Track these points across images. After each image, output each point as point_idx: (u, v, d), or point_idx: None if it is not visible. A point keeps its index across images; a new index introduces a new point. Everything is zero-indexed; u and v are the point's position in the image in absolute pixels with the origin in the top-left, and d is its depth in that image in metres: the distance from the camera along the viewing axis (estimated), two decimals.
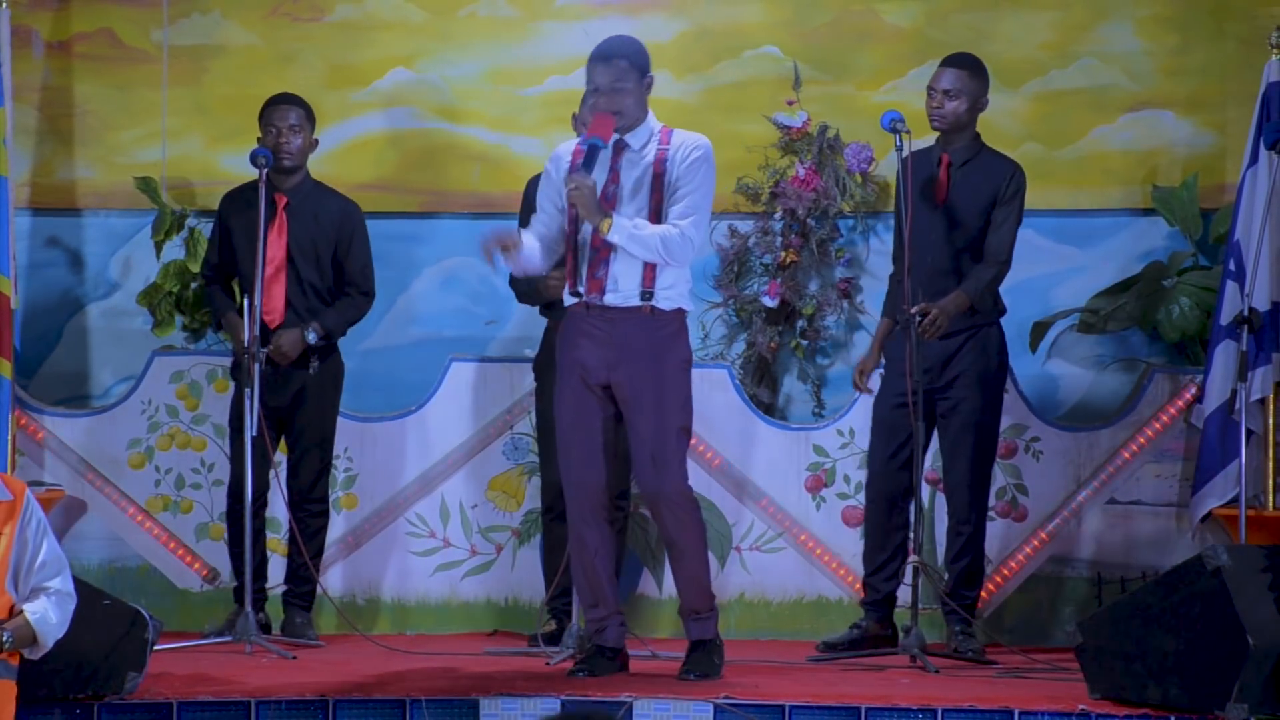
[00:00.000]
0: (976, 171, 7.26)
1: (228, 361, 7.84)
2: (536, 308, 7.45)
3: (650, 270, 6.44)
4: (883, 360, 7.38)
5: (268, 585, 7.57)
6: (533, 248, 6.52)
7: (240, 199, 7.67)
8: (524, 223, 7.27)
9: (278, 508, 7.71)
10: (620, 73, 6.47)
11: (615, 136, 6.46)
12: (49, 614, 5.46)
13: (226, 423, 7.76)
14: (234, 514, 7.55)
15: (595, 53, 6.52)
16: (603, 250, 6.45)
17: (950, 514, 7.32)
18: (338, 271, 7.68)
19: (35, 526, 5.42)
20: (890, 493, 7.26)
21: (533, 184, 7.41)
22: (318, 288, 7.63)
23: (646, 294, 6.46)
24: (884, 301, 7.53)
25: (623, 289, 6.45)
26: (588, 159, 6.40)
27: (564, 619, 7.26)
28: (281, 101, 7.64)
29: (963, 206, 7.22)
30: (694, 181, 6.48)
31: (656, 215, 6.45)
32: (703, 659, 6.52)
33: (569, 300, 6.55)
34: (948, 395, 7.22)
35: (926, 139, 7.48)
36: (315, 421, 7.62)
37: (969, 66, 7.29)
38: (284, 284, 7.54)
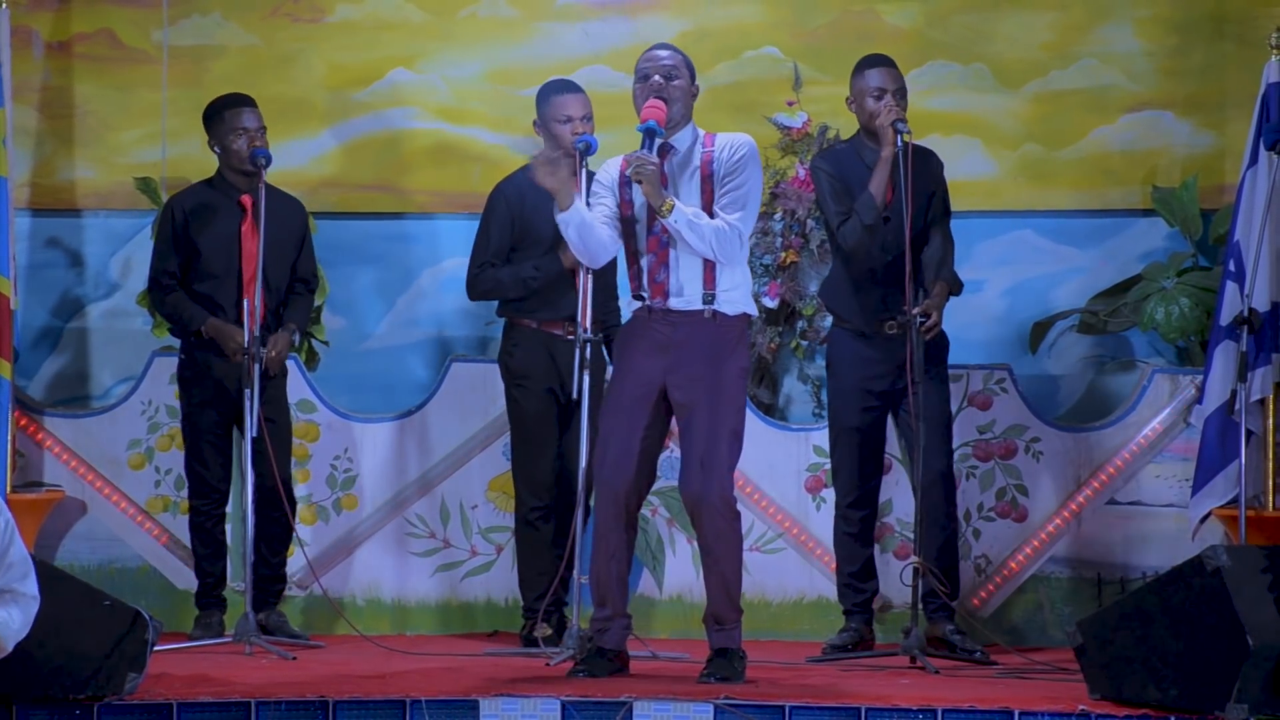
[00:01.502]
0: (911, 164, 7.15)
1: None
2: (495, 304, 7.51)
3: (710, 271, 6.46)
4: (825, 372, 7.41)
5: (237, 586, 7.55)
6: (598, 224, 6.51)
7: (197, 203, 7.59)
8: (486, 233, 7.30)
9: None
10: (677, 64, 6.55)
11: (659, 140, 6.47)
12: (12, 617, 5.41)
13: (181, 423, 7.66)
14: (202, 522, 7.54)
15: (652, 47, 6.62)
16: (661, 254, 6.47)
17: (925, 512, 7.18)
18: (289, 270, 7.66)
19: (2, 526, 5.39)
20: (864, 500, 7.31)
21: (496, 194, 7.41)
22: (279, 287, 7.61)
23: (709, 296, 6.48)
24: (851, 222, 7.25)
25: (686, 293, 6.48)
26: (647, 142, 6.42)
27: (561, 620, 7.27)
28: (244, 104, 7.56)
29: (903, 204, 7.07)
30: (740, 177, 6.51)
31: (706, 213, 6.48)
32: (724, 664, 6.50)
33: (633, 308, 6.55)
34: (908, 398, 7.14)
35: (925, 139, 7.48)
36: (282, 415, 7.58)
37: (896, 64, 7.28)
38: (262, 284, 7.48)
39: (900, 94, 7.19)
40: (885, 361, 7.21)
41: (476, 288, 7.51)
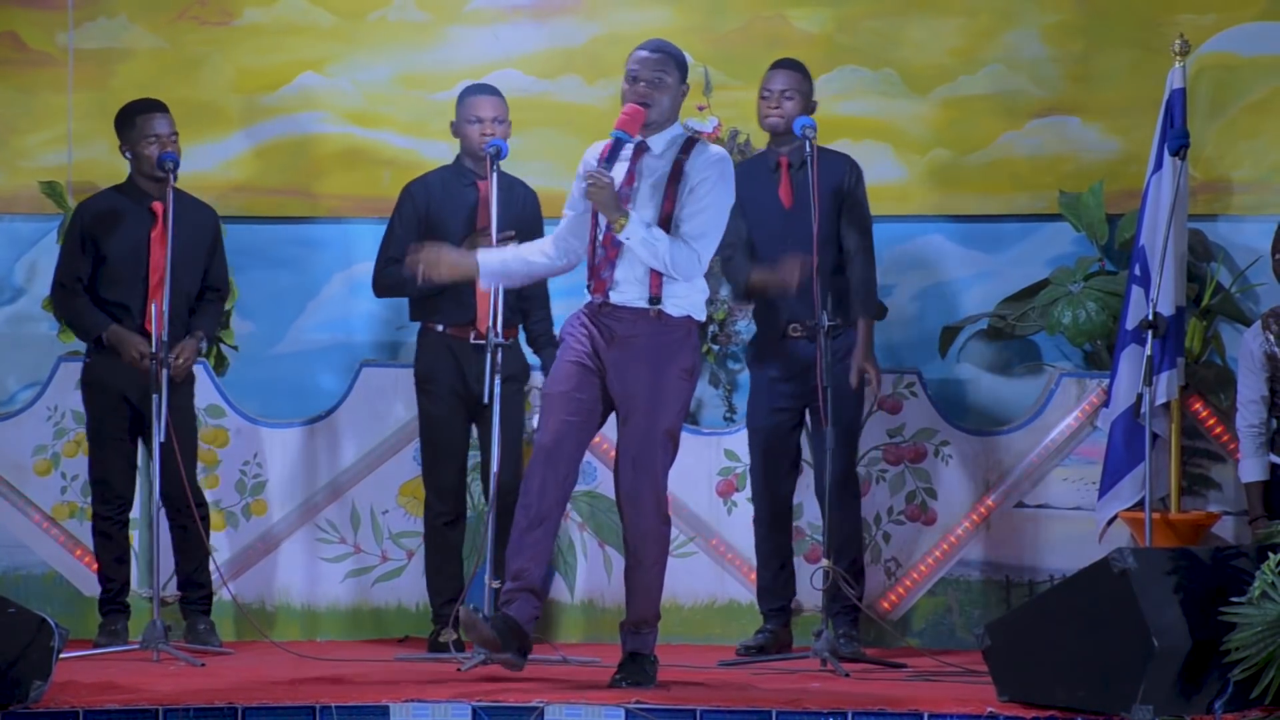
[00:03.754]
0: (806, 170, 7.17)
1: None
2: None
3: (656, 277, 6.40)
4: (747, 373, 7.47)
5: (165, 594, 7.49)
6: (509, 261, 6.57)
7: (106, 208, 7.52)
8: (393, 230, 7.30)
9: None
10: (664, 66, 6.43)
11: (639, 138, 6.42)
12: None
13: (85, 428, 7.60)
14: (104, 528, 7.49)
15: (641, 45, 6.49)
16: (610, 250, 6.41)
17: (829, 513, 7.20)
18: (200, 276, 7.60)
19: None
20: (779, 502, 7.36)
21: (405, 192, 7.40)
22: (190, 293, 7.55)
23: (654, 299, 6.42)
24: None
25: (630, 292, 6.41)
26: (612, 152, 6.35)
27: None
28: (156, 110, 7.49)
29: (808, 209, 7.10)
30: (707, 199, 6.42)
31: (666, 223, 6.40)
32: (637, 669, 6.46)
33: (584, 299, 6.49)
34: (817, 401, 7.16)
35: (835, 144, 7.51)
36: (183, 423, 7.52)
37: (800, 68, 7.34)
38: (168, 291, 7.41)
39: (780, 94, 7.24)
40: (795, 364, 7.24)
41: (380, 283, 7.51)
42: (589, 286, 6.47)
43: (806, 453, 7.55)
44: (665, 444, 6.43)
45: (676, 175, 6.42)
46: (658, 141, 6.47)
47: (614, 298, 6.42)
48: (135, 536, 7.69)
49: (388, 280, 7.47)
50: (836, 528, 7.17)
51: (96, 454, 7.53)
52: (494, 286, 6.85)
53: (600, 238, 6.43)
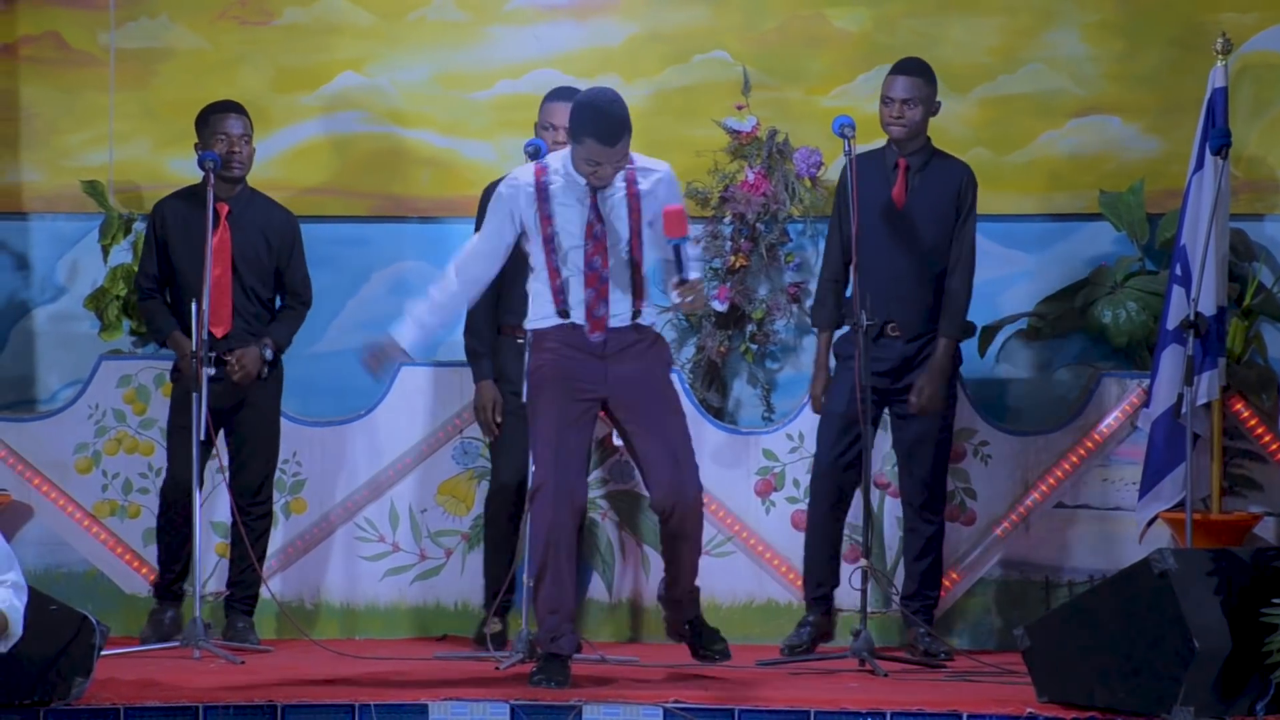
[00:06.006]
0: (932, 176, 7.33)
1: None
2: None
3: (638, 295, 6.58)
4: (833, 360, 7.42)
5: (208, 592, 7.54)
6: (428, 329, 6.69)
7: (176, 207, 7.61)
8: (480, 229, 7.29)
9: (219, 511, 7.69)
10: (624, 148, 6.48)
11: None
12: (14, 602, 5.51)
13: (165, 424, 7.70)
14: (168, 515, 7.53)
15: (600, 131, 6.41)
16: (601, 289, 6.54)
17: (909, 515, 7.35)
18: (277, 281, 7.66)
19: None
20: (836, 490, 7.32)
21: (488, 192, 7.40)
22: (262, 296, 7.62)
23: (635, 313, 6.60)
24: (815, 312, 7.54)
25: (618, 318, 6.58)
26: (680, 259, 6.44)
27: (507, 621, 7.28)
28: (230, 110, 7.59)
29: (920, 212, 7.26)
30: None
31: (638, 236, 6.54)
32: (715, 635, 6.78)
33: (552, 321, 6.55)
34: (906, 397, 7.26)
35: (875, 143, 7.51)
36: (261, 424, 7.60)
37: (923, 73, 7.35)
38: (229, 292, 7.51)
39: (902, 102, 7.28)
40: (884, 361, 7.25)
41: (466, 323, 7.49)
42: (568, 313, 6.53)
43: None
44: (689, 434, 6.63)
45: (634, 199, 6.53)
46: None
47: (611, 324, 6.57)
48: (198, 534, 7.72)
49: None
50: (927, 528, 7.33)
51: (169, 446, 7.60)
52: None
53: (569, 270, 6.54)
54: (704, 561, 7.71)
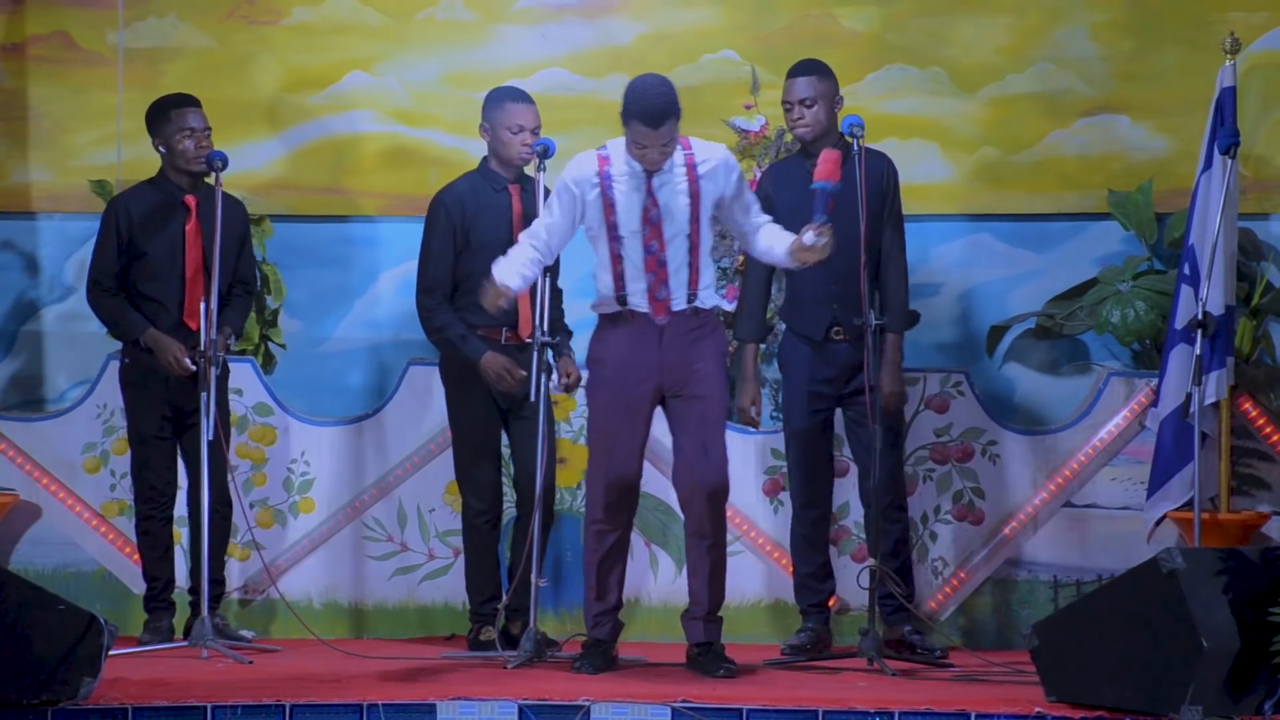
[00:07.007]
0: (852, 171, 7.13)
1: None
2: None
3: (695, 275, 6.67)
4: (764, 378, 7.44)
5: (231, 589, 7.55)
6: (527, 278, 6.78)
7: (141, 203, 7.48)
8: (429, 248, 7.27)
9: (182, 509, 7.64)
10: (670, 132, 6.58)
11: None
12: None
13: (126, 427, 7.60)
14: (147, 527, 7.50)
15: (643, 113, 6.54)
16: (660, 273, 6.65)
17: (877, 514, 7.19)
18: (231, 271, 7.57)
19: None
20: (819, 503, 7.33)
21: (436, 203, 7.34)
22: (222, 289, 7.49)
23: (691, 295, 6.70)
24: (740, 324, 7.38)
25: (677, 300, 6.69)
26: (825, 204, 6.57)
27: (515, 623, 7.28)
28: (189, 104, 7.47)
29: (849, 209, 7.04)
30: (745, 186, 6.78)
31: (697, 222, 6.65)
32: (723, 658, 6.78)
33: (612, 308, 6.68)
34: (858, 400, 7.16)
35: (882, 143, 7.50)
36: (224, 418, 7.49)
37: (817, 71, 7.22)
38: (202, 285, 7.40)
39: (800, 103, 7.17)
40: (834, 366, 7.22)
41: (429, 323, 7.42)
42: (646, 313, 6.64)
43: (847, 449, 7.52)
44: (723, 428, 6.75)
45: (695, 183, 6.65)
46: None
47: (673, 307, 6.68)
48: (183, 534, 7.71)
49: (435, 322, 7.36)
50: (895, 526, 7.27)
51: (138, 452, 7.54)
52: (531, 287, 6.93)
53: (634, 257, 6.63)
54: None
